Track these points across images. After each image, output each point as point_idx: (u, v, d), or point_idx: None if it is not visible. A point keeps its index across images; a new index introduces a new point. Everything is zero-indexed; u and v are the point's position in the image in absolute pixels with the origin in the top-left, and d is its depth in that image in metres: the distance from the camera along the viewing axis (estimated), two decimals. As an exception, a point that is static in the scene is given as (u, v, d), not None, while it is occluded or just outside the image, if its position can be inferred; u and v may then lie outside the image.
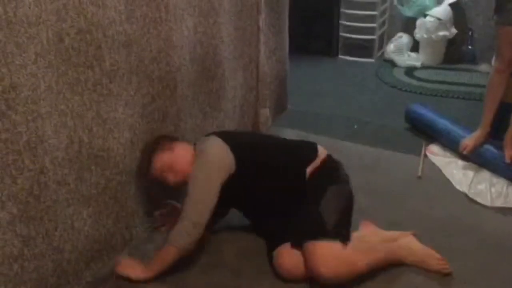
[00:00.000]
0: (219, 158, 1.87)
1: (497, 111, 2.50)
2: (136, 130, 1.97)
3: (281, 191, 1.95)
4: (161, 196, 2.13)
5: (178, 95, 2.17)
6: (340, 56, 4.73)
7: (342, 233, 1.81)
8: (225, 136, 1.95)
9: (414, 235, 1.94)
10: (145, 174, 1.97)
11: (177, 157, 1.91)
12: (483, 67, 4.13)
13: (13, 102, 1.44)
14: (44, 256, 1.64)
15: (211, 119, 2.48)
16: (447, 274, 1.81)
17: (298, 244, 1.78)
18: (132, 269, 1.84)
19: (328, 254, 1.73)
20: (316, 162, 1.97)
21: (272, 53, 2.99)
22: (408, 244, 1.90)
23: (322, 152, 2.03)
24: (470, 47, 4.33)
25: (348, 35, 4.64)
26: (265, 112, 2.96)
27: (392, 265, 1.85)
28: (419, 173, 2.56)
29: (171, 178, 1.91)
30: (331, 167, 2.01)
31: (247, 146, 1.98)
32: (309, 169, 1.95)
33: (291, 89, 3.32)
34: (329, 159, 2.03)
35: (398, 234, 1.95)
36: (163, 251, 1.83)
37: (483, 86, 3.59)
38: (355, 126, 3.19)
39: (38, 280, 1.64)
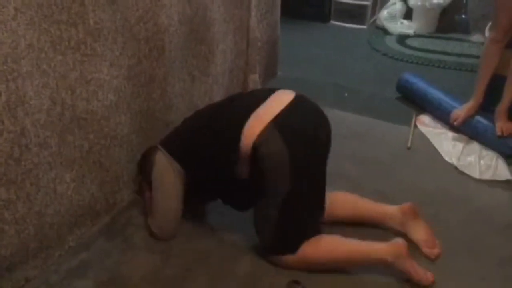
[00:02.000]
0: (166, 178, 1.88)
1: (490, 83, 2.47)
2: (121, 92, 1.90)
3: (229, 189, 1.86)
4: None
5: (165, 57, 2.10)
6: (332, 22, 4.65)
7: (280, 247, 1.71)
8: (169, 146, 1.91)
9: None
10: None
11: None
12: (476, 37, 4.09)
13: (-9, 60, 1.37)
14: (25, 220, 1.60)
15: (199, 84, 2.41)
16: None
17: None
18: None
19: (277, 263, 1.74)
20: (242, 153, 1.65)
21: (263, 16, 2.90)
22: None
23: (248, 136, 1.63)
24: (463, 16, 4.27)
25: (340, 0, 4.54)
26: (255, 78, 2.90)
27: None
28: (409, 144, 2.54)
29: None
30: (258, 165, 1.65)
31: (185, 150, 1.87)
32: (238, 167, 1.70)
33: (281, 55, 3.25)
34: (256, 149, 1.62)
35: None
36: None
37: (475, 57, 3.58)
38: (346, 94, 3.15)
39: (19, 244, 1.60)
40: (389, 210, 1.87)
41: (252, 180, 1.69)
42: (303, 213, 1.71)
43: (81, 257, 1.78)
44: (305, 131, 1.68)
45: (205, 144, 1.79)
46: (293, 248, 1.69)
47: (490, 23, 3.80)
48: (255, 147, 1.61)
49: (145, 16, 1.92)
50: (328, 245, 1.71)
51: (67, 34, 1.60)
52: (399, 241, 1.68)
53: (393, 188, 2.17)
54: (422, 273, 1.65)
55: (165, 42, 2.06)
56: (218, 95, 2.59)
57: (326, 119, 1.79)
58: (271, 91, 1.79)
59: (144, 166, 1.99)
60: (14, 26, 1.41)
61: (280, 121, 1.64)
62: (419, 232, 1.81)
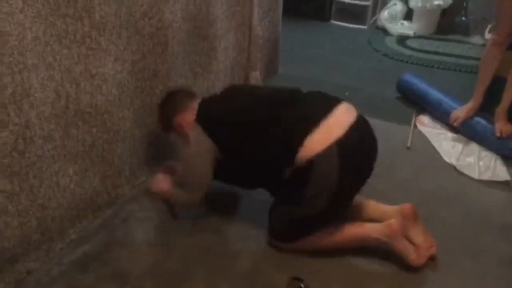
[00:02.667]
0: (202, 139, 1.80)
1: (490, 84, 2.49)
2: (124, 87, 1.91)
3: (260, 182, 1.90)
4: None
5: (168, 53, 2.11)
6: (333, 21, 4.66)
7: (287, 237, 1.80)
8: (206, 119, 1.84)
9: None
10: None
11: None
12: (476, 39, 4.11)
13: (-2, 52, 1.37)
14: (28, 212, 1.61)
15: (201, 80, 2.42)
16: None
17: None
18: (163, 183, 1.92)
19: (277, 246, 1.82)
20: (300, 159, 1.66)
21: (265, 14, 2.92)
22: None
23: (316, 142, 1.65)
24: (464, 18, 4.29)
25: None
26: (256, 75, 2.91)
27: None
28: (409, 144, 2.56)
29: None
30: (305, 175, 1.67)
31: (228, 133, 1.81)
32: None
33: (282, 53, 3.27)
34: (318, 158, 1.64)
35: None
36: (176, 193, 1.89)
37: (475, 59, 3.60)
38: (346, 94, 3.15)
39: (21, 236, 1.61)
40: (388, 211, 1.87)
41: (290, 180, 1.72)
42: (323, 222, 1.77)
43: (82, 250, 1.79)
44: (360, 159, 1.74)
45: (258, 142, 1.75)
46: (297, 240, 1.78)
47: (490, 25, 3.84)
48: (313, 161, 1.64)
49: (149, 11, 1.93)
50: (326, 230, 1.77)
51: (73, 27, 1.61)
52: (393, 221, 1.75)
53: (392, 187, 2.18)
54: (413, 254, 1.74)
55: (168, 38, 2.07)
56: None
57: (376, 144, 1.81)
58: (333, 100, 1.81)
59: (163, 114, 1.99)
60: (21, 18, 1.42)
61: (342, 144, 1.65)
62: (419, 236, 1.79)
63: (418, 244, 1.77)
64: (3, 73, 1.40)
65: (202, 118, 1.84)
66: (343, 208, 1.82)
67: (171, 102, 1.97)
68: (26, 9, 1.42)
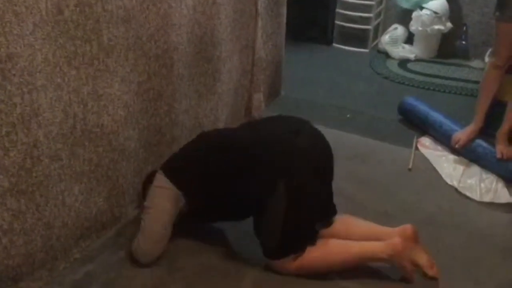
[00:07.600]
0: (156, 201, 1.87)
1: (491, 107, 2.51)
2: (130, 107, 1.94)
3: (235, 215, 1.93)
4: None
5: (174, 74, 2.14)
6: (335, 45, 4.71)
7: (286, 250, 1.76)
8: (175, 173, 1.88)
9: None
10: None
11: None
12: (476, 63, 4.15)
13: (9, 73, 1.40)
14: (33, 231, 1.63)
15: (205, 101, 2.45)
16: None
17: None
18: None
19: (278, 269, 1.80)
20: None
21: (269, 37, 2.96)
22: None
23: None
24: (464, 42, 4.33)
25: (343, 23, 4.62)
26: (259, 97, 2.95)
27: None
28: (410, 165, 2.58)
29: None
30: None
31: (199, 184, 1.85)
32: None
33: (284, 75, 3.31)
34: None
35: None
36: None
37: (475, 82, 3.64)
38: (348, 115, 3.19)
39: (26, 255, 1.63)
40: (388, 232, 1.85)
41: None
42: (304, 222, 1.77)
43: (85, 270, 1.80)
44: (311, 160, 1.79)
45: (232, 190, 1.80)
46: (295, 251, 1.76)
47: (489, 50, 3.88)
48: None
49: (156, 34, 1.97)
50: (326, 248, 1.79)
51: (82, 49, 1.64)
52: (395, 239, 1.76)
53: (394, 209, 2.19)
54: (411, 272, 1.76)
55: (174, 60, 2.11)
56: (223, 113, 2.63)
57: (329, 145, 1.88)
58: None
59: (145, 189, 1.99)
60: (32, 40, 1.46)
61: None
62: (422, 257, 1.81)
63: (422, 265, 1.79)
64: (13, 93, 1.44)
65: (169, 167, 1.92)
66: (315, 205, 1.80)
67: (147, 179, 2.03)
68: (36, 31, 1.46)
